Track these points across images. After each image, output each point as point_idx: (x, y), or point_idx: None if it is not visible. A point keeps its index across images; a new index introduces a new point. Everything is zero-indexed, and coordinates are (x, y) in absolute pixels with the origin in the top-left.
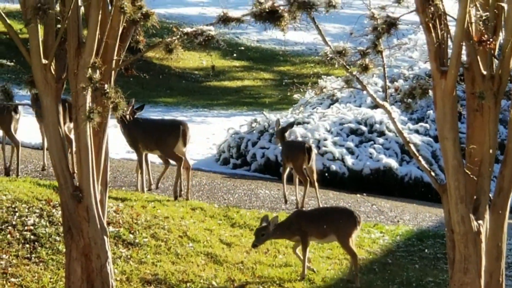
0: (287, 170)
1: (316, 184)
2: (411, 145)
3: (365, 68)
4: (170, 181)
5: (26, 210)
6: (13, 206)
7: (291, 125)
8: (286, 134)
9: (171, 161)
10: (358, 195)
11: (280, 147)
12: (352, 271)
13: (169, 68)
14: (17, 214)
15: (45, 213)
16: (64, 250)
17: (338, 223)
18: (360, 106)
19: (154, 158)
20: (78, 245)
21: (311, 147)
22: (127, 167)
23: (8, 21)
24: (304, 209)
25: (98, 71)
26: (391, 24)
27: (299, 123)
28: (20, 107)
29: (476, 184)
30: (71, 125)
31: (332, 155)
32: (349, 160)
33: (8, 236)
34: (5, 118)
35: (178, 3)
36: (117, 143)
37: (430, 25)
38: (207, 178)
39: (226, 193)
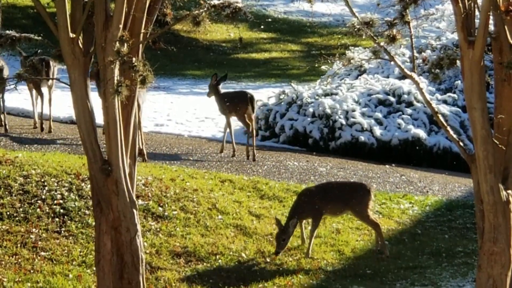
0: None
1: (255, 132)
2: (440, 116)
3: (392, 39)
4: (199, 153)
5: (55, 184)
6: (43, 180)
7: (224, 77)
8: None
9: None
10: (387, 166)
11: (215, 100)
12: (378, 241)
13: (196, 41)
14: (46, 188)
15: (74, 187)
16: (93, 223)
17: (352, 198)
18: (388, 77)
19: (183, 131)
20: (108, 219)
21: (253, 96)
22: (155, 140)
23: None
24: (308, 187)
25: (125, 45)
26: None
27: (327, 95)
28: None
29: (505, 153)
30: (49, 82)
31: (361, 126)
32: (378, 131)
33: (38, 210)
34: None
35: None
36: (145, 116)
37: None
38: (236, 150)
39: (255, 165)
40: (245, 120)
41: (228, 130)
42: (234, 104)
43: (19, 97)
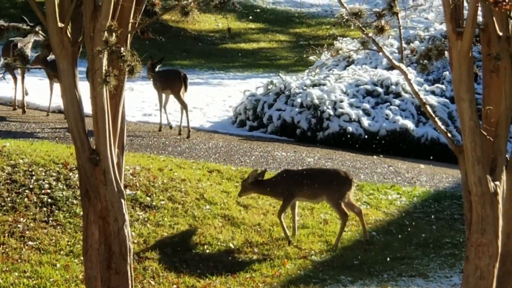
0: (164, 98)
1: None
2: (427, 107)
3: (381, 30)
4: (187, 143)
5: (43, 174)
6: (30, 169)
7: (160, 61)
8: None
9: None
10: (375, 157)
11: (153, 81)
12: (366, 231)
13: (185, 31)
14: (34, 177)
15: (62, 176)
16: (81, 213)
17: (330, 185)
18: (376, 68)
19: (171, 121)
20: (96, 208)
21: (186, 75)
22: (143, 130)
23: None
24: (291, 169)
25: (114, 34)
26: None
27: (315, 85)
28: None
29: (493, 145)
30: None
31: (349, 117)
32: (366, 121)
33: (26, 199)
34: None
35: None
36: (133, 106)
37: None
38: (224, 140)
39: (242, 155)
40: (181, 98)
41: (165, 109)
42: (168, 81)
43: (7, 86)
